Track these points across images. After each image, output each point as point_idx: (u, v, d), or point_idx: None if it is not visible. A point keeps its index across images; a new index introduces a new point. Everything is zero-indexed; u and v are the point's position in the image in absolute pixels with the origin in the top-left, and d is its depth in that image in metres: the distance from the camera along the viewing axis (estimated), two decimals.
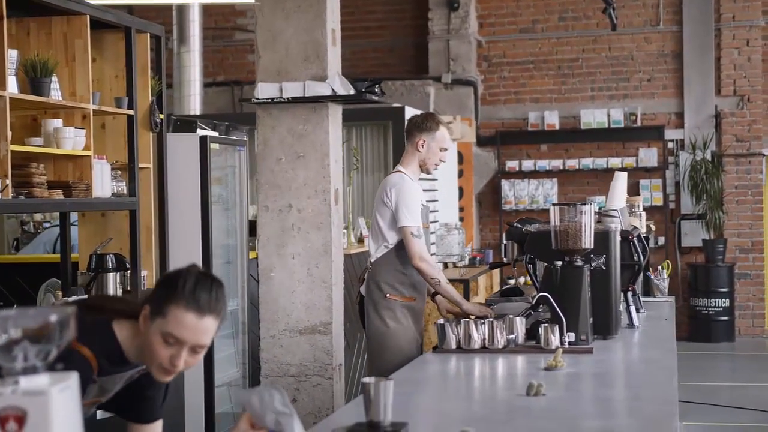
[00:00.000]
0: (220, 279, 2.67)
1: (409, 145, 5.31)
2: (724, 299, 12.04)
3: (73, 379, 1.80)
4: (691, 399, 8.65)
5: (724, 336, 12.05)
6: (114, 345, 2.65)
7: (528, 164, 12.71)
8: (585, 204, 4.41)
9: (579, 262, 4.38)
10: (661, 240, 12.38)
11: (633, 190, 12.17)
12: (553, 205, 4.45)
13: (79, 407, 1.82)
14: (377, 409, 2.73)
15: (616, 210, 5.11)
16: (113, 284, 5.40)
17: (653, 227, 9.97)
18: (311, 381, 5.71)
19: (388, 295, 5.14)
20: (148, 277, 5.80)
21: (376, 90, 6.24)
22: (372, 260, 5.26)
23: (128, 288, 5.55)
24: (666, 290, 6.41)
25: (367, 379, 2.74)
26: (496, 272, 11.20)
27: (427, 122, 5.26)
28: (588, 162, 12.56)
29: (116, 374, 2.71)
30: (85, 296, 4.89)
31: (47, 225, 8.23)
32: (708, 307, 12.05)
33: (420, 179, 5.38)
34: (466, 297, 8.59)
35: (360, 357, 7.19)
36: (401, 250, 5.13)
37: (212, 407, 6.16)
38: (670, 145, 12.55)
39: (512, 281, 11.93)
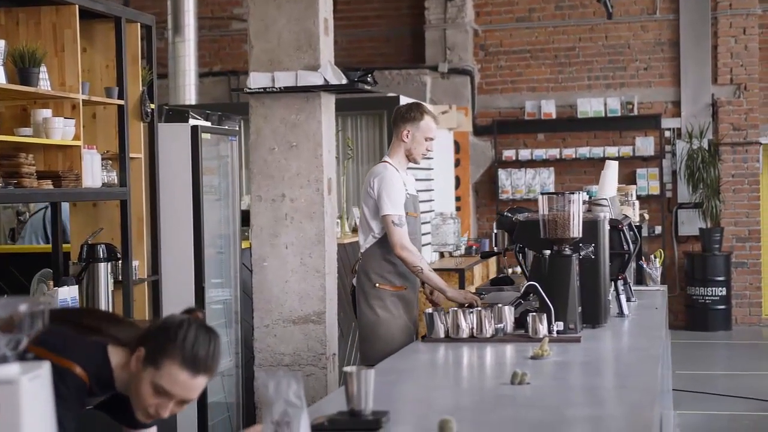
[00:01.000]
0: (218, 332, 2.66)
1: (394, 136, 5.33)
2: (720, 288, 12.05)
3: (44, 368, 1.81)
4: (687, 388, 8.66)
5: (720, 325, 12.06)
6: (107, 370, 2.63)
7: (525, 153, 12.71)
8: (573, 193, 4.40)
9: (567, 251, 4.39)
10: (658, 229, 12.38)
11: (629, 179, 12.17)
12: (542, 194, 4.46)
13: (51, 397, 1.82)
14: (358, 398, 2.74)
15: (606, 199, 5.11)
16: (104, 274, 5.40)
17: (647, 216, 9.96)
18: (305, 370, 5.72)
19: (377, 284, 5.17)
20: (140, 267, 5.80)
21: (368, 79, 6.24)
22: (361, 251, 5.28)
23: (119, 278, 5.55)
24: (658, 279, 6.40)
25: (348, 369, 2.76)
26: (493, 261, 11.21)
27: (411, 112, 5.27)
28: (585, 151, 12.55)
29: (103, 396, 2.70)
30: (81, 308, 4.80)
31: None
32: (705, 296, 12.05)
33: (416, 168, 5.40)
34: (461, 286, 8.60)
35: (354, 346, 7.20)
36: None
37: (205, 396, 6.17)
38: (667, 134, 12.54)
39: (509, 270, 11.96)
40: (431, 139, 5.29)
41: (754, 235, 12.42)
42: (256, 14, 6.00)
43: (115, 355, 2.64)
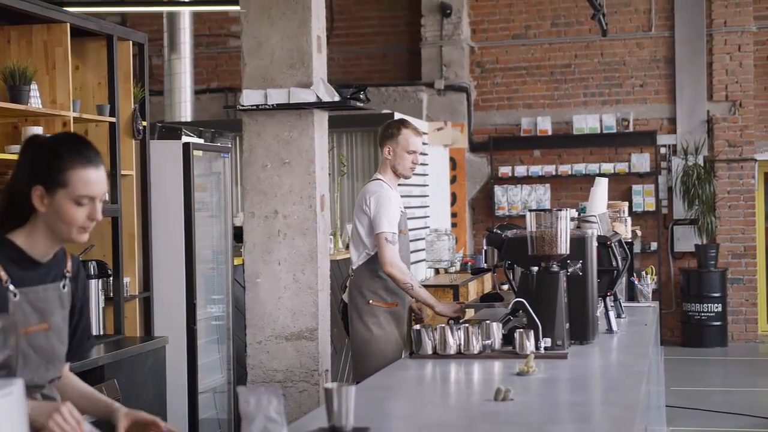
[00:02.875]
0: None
1: (381, 154, 5.39)
2: (716, 304, 12.05)
3: (17, 385, 1.82)
4: (683, 404, 8.66)
5: (716, 341, 12.05)
6: (16, 250, 2.68)
7: (521, 170, 12.73)
8: (561, 210, 4.42)
9: (555, 268, 4.39)
10: (654, 245, 12.38)
11: (625, 195, 12.19)
12: (530, 211, 4.47)
13: (25, 413, 1.83)
14: (339, 415, 2.75)
15: (595, 215, 5.12)
16: (95, 291, 5.41)
17: (639, 232, 9.98)
18: (297, 387, 5.72)
19: (371, 301, 5.20)
20: (131, 283, 5.81)
21: (361, 96, 6.26)
22: (353, 267, 5.31)
23: (111, 295, 5.56)
24: (650, 296, 6.41)
25: (328, 385, 2.76)
26: (488, 277, 11.22)
27: (388, 129, 5.38)
28: (581, 167, 12.58)
29: (37, 285, 2.71)
30: None
31: None
32: (700, 312, 12.05)
33: (411, 184, 5.46)
34: (456, 299, 8.60)
35: (347, 362, 7.20)
36: None
37: (196, 413, 6.17)
38: (663, 150, 12.56)
39: (505, 287, 11.95)
40: (414, 152, 5.33)
41: (750, 251, 12.42)
42: (249, 31, 6.02)
43: (17, 237, 2.69)
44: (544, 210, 4.44)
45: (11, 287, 2.64)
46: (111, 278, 5.54)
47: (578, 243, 4.53)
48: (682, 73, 12.48)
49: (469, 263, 11.14)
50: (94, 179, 2.66)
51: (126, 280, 5.68)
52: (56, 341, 2.76)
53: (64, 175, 2.64)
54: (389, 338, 5.17)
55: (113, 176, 5.57)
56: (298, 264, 5.93)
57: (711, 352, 11.80)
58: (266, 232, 5.90)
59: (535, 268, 4.39)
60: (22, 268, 2.68)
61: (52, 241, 2.72)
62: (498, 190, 12.75)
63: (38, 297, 2.71)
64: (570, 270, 4.44)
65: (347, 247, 7.83)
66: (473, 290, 9.94)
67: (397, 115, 9.78)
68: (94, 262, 5.43)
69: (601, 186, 5.44)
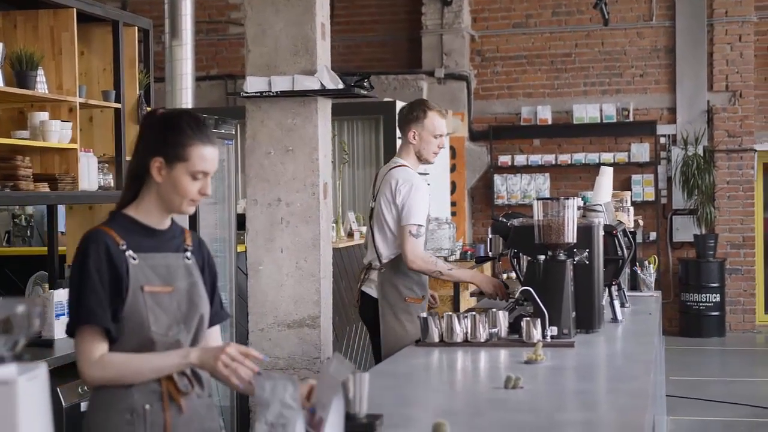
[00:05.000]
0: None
1: (403, 138, 5.25)
2: (714, 294, 12.08)
3: (41, 369, 1.82)
4: (681, 394, 8.68)
5: (714, 331, 12.08)
6: (131, 221, 2.83)
7: (520, 159, 12.73)
8: (568, 199, 4.42)
9: (562, 257, 4.40)
10: (653, 235, 12.40)
11: (625, 185, 12.20)
12: (537, 199, 4.47)
13: (48, 397, 1.83)
14: (353, 402, 2.75)
15: (601, 205, 5.12)
16: None
17: (641, 222, 9.98)
18: (299, 374, 5.72)
19: (407, 298, 5.08)
20: None
21: (365, 84, 6.25)
22: (384, 260, 5.15)
23: None
24: (652, 285, 6.42)
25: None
26: (488, 266, 11.22)
27: (412, 112, 5.17)
28: (580, 157, 12.58)
29: (156, 252, 2.84)
30: None
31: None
32: (699, 303, 12.08)
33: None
34: (457, 291, 8.58)
35: (349, 351, 7.21)
36: None
37: None
38: (663, 140, 12.57)
39: (504, 276, 11.96)
40: (440, 136, 5.16)
41: (749, 242, 12.45)
42: (253, 18, 6.01)
43: (130, 210, 2.84)
44: (552, 198, 4.44)
45: (130, 252, 2.77)
46: None
47: (585, 232, 4.52)
48: (683, 63, 12.48)
49: (469, 252, 11.15)
50: (210, 156, 2.82)
51: None
52: (183, 305, 2.87)
53: (185, 150, 2.79)
54: (419, 333, 5.12)
55: (118, 163, 5.56)
56: (301, 252, 5.93)
57: (709, 342, 11.83)
58: (269, 220, 5.90)
59: (542, 257, 4.40)
60: (139, 236, 2.82)
61: (162, 212, 2.86)
62: (497, 179, 12.76)
63: (159, 263, 2.84)
64: (577, 259, 4.44)
65: (349, 235, 7.82)
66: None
67: (400, 104, 9.78)
68: None
69: (607, 175, 5.44)
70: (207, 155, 2.81)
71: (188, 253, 2.93)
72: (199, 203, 2.88)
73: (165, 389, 2.79)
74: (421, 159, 5.19)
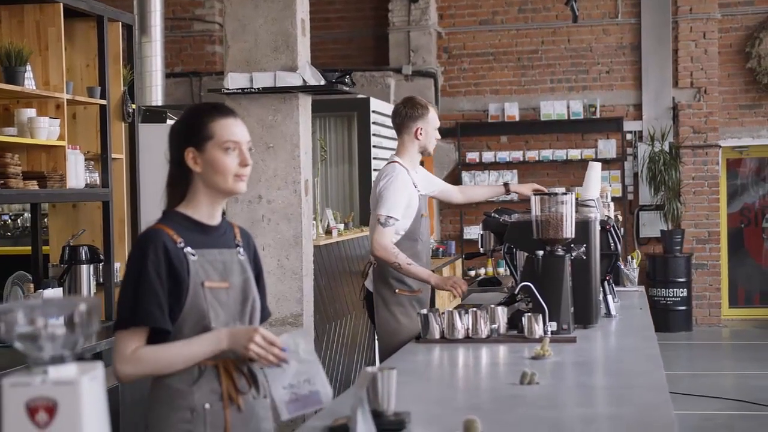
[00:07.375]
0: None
1: (404, 136, 5.27)
2: (681, 289, 12.19)
3: (99, 368, 1.78)
4: None
5: (682, 326, 12.20)
6: (184, 218, 2.84)
7: (488, 156, 12.76)
8: (566, 194, 4.42)
9: (560, 252, 4.40)
10: (621, 231, 12.47)
11: None
12: (534, 194, 4.47)
13: (105, 395, 1.79)
14: (381, 399, 2.73)
15: (593, 200, 5.14)
16: (86, 276, 5.33)
17: (620, 217, 10.06)
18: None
19: (397, 290, 5.11)
20: (121, 269, 5.73)
21: (346, 80, 6.23)
22: (376, 255, 5.17)
23: (101, 280, 5.48)
24: (636, 280, 6.46)
25: (370, 369, 2.74)
26: (458, 263, 11.25)
27: (416, 110, 5.26)
28: (548, 153, 12.63)
29: (211, 248, 2.83)
30: None
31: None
32: (666, 297, 12.18)
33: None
34: (432, 290, 8.55)
35: (330, 348, 7.17)
36: (406, 242, 5.09)
37: None
38: (629, 136, 12.66)
39: (482, 271, 11.99)
40: (437, 127, 5.36)
41: (714, 237, 12.57)
42: (232, 14, 5.96)
43: (180, 208, 2.85)
44: (549, 194, 4.44)
45: (188, 249, 2.78)
46: (102, 263, 5.45)
47: (582, 227, 4.54)
48: (648, 60, 12.58)
49: (440, 249, 11.16)
50: (234, 126, 2.83)
51: (116, 265, 5.60)
52: (240, 301, 2.86)
53: (207, 128, 2.80)
54: (416, 326, 5.10)
55: (104, 160, 5.48)
56: (282, 249, 5.90)
57: (677, 337, 11.93)
58: (250, 217, 5.87)
59: (541, 252, 4.40)
60: (193, 233, 2.83)
61: (213, 200, 2.86)
62: (466, 175, 12.77)
63: (216, 258, 2.84)
64: (574, 254, 4.45)
65: (327, 232, 7.79)
66: (446, 275, 9.94)
67: (374, 101, 9.77)
68: (85, 248, 5.35)
69: (595, 170, 5.45)
70: (230, 125, 2.83)
71: (241, 249, 2.92)
72: (245, 178, 2.85)
73: (225, 389, 2.77)
74: (423, 153, 5.31)
